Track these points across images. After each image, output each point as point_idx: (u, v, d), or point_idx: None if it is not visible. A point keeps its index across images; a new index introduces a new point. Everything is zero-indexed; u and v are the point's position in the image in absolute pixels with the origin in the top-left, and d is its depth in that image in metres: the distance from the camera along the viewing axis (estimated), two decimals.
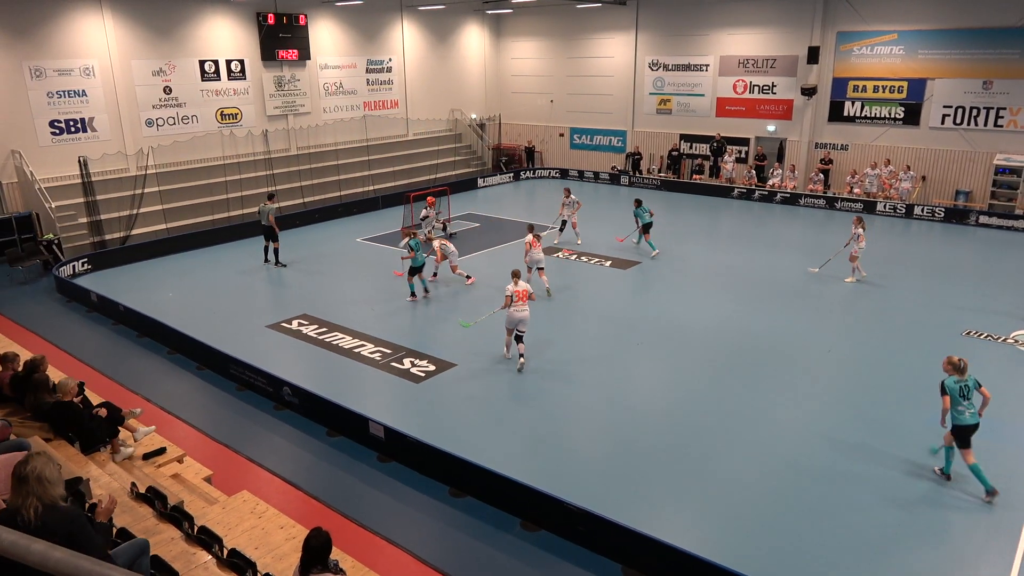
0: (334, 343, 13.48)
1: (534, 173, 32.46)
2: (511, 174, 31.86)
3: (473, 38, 33.40)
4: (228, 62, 24.45)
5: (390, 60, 29.83)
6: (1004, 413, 10.77)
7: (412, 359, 12.70)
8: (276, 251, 18.64)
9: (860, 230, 16.87)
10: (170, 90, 23.20)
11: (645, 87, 30.62)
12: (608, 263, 18.61)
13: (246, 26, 24.72)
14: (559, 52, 32.72)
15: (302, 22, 25.85)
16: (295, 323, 14.51)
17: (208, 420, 10.94)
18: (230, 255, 20.01)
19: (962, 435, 8.73)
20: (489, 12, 33.04)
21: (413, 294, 15.90)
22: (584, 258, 19.10)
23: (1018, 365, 12.41)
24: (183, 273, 18.39)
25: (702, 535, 8.06)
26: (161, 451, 8.39)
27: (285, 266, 18.58)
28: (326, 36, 27.25)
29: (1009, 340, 13.41)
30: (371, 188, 27.24)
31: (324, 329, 14.16)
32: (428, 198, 20.72)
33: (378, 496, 8.98)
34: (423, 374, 12.13)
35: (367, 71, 29.02)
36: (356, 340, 13.58)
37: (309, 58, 26.49)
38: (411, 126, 31.02)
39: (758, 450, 9.81)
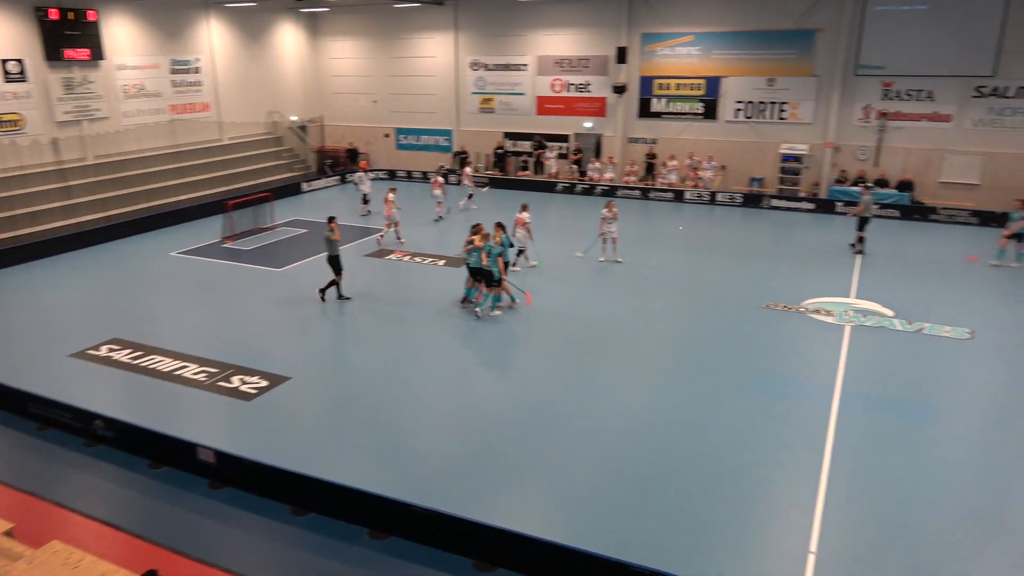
0: (151, 367, 12.44)
1: (351, 176, 31.78)
2: (338, 176, 31.06)
3: (288, 37, 32.12)
4: (3, 62, 21.72)
5: (198, 60, 27.95)
6: (801, 374, 12.09)
7: (242, 376, 12.01)
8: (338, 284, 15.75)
9: (604, 211, 18.16)
10: None
11: (467, 87, 31.03)
12: (442, 262, 18.69)
13: (23, 21, 22.04)
14: (380, 52, 32.31)
15: (91, 18, 23.52)
16: (104, 349, 13.22)
17: (4, 467, 9.69)
18: (18, 280, 17.79)
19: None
20: (303, 11, 31.93)
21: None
22: (418, 259, 19.04)
23: (812, 330, 14.00)
24: None
25: (547, 520, 8.33)
26: None
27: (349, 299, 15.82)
28: (122, 34, 24.99)
29: (801, 309, 15.07)
30: (185, 197, 25.41)
31: (139, 353, 13.03)
32: (361, 163, 25.83)
33: (212, 526, 8.43)
34: (255, 391, 11.53)
35: (172, 72, 26.99)
36: (177, 362, 12.62)
37: (103, 58, 24.17)
38: (225, 130, 29.28)
39: (595, 432, 10.29)
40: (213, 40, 28.39)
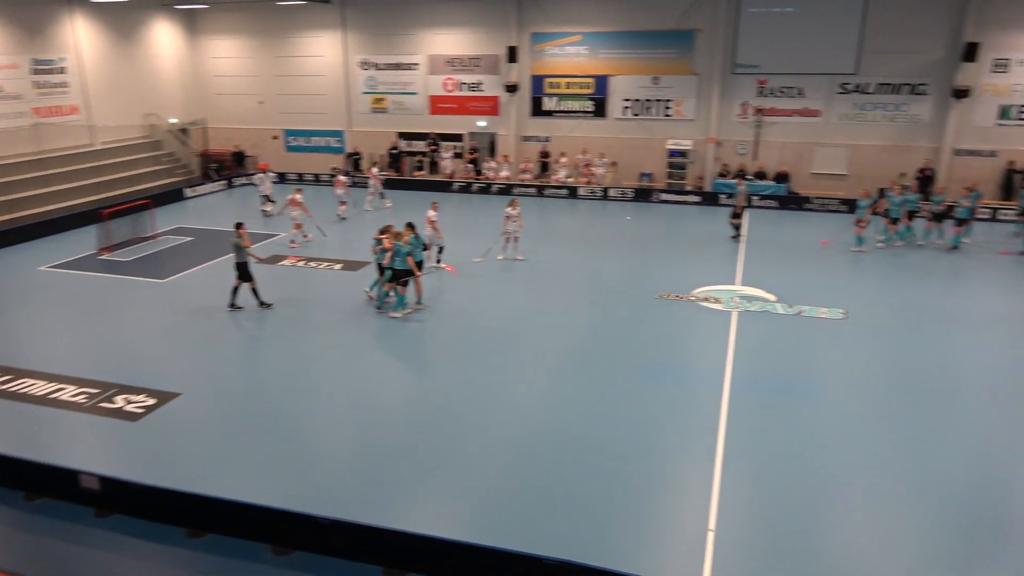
0: (22, 392, 11.50)
1: (249, 179, 30.61)
2: (225, 181, 29.77)
3: (163, 35, 30.45)
4: None
5: (63, 59, 26.04)
6: (694, 360, 12.61)
7: (126, 396, 11.30)
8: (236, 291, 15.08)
9: (508, 210, 18.48)
10: None
11: (358, 86, 30.47)
12: (339, 266, 18.29)
13: None
14: (265, 51, 31.20)
15: None
16: None
17: None
18: None
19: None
20: (178, 7, 30.35)
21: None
22: (313, 263, 18.54)
23: (702, 317, 14.65)
24: None
25: (456, 520, 8.31)
26: None
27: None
28: None
29: (691, 297, 15.71)
30: (53, 207, 23.64)
31: (7, 377, 12.01)
32: (260, 164, 26.25)
33: (100, 556, 7.90)
34: (141, 410, 10.88)
35: (34, 72, 25.03)
36: (51, 384, 11.72)
37: None
38: (97, 134, 27.46)
39: (498, 429, 10.34)
40: (79, 38, 26.53)
